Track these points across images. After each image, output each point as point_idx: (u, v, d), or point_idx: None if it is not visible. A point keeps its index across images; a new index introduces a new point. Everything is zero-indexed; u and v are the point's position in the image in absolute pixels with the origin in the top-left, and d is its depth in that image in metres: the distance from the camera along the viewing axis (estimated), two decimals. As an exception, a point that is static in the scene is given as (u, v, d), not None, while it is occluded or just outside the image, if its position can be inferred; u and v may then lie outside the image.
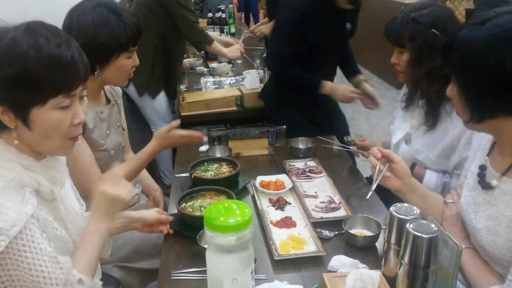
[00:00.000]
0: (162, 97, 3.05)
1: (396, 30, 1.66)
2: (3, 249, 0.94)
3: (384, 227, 1.32)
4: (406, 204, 1.11)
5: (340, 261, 1.29)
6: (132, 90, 2.96)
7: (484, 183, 1.20)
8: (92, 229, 1.15)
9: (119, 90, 1.85)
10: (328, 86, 2.36)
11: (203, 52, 3.79)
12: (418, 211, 1.08)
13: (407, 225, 1.00)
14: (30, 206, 0.99)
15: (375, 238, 1.41)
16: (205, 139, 1.93)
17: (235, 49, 3.23)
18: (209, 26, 4.21)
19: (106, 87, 1.75)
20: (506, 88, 1.05)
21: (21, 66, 0.96)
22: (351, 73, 2.57)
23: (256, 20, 7.03)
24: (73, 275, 1.06)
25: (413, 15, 1.62)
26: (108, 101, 1.75)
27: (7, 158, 1.03)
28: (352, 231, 1.43)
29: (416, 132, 1.78)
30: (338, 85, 2.39)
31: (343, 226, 1.43)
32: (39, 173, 1.06)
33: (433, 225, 1.00)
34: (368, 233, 1.44)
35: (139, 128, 3.22)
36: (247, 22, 6.96)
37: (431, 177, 1.70)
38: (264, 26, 4.16)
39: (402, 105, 1.85)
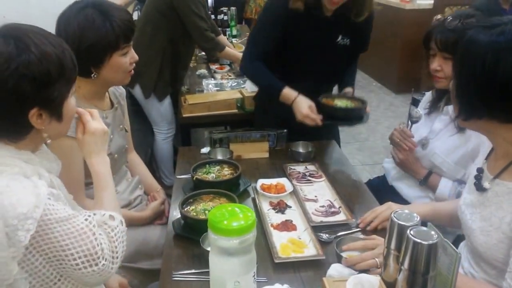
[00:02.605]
0: (168, 99, 3.07)
1: (446, 37, 1.63)
2: (34, 232, 0.99)
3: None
4: (406, 211, 1.12)
5: (337, 270, 1.29)
6: (138, 91, 2.97)
7: (478, 186, 1.25)
8: (99, 168, 1.25)
9: (123, 91, 1.86)
10: (290, 95, 2.01)
11: (203, 53, 3.82)
12: (419, 218, 1.10)
13: (408, 232, 1.02)
14: (43, 187, 1.04)
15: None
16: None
17: None
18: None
19: (111, 89, 1.75)
20: (494, 93, 1.09)
21: (59, 63, 1.06)
22: (343, 85, 2.25)
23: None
24: (103, 214, 1.16)
25: (464, 22, 1.61)
26: (112, 104, 1.75)
27: (6, 156, 1.07)
28: (345, 254, 1.34)
29: (435, 137, 1.80)
30: (302, 99, 2.01)
31: (335, 249, 1.35)
32: (38, 164, 1.11)
33: (433, 232, 1.01)
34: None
35: (141, 129, 3.24)
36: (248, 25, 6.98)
37: (445, 186, 1.73)
38: None
39: (425, 111, 1.89)
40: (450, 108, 1.78)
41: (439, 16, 1.74)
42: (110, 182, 1.27)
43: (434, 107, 1.86)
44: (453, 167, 1.72)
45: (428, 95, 1.96)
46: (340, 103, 2.06)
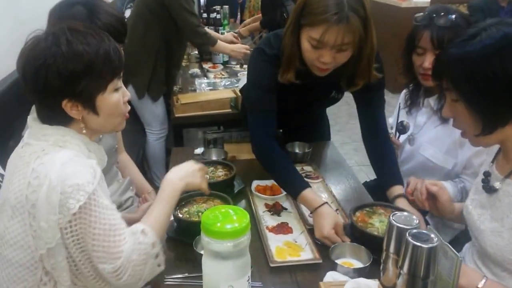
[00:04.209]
0: (161, 99, 3.03)
1: (442, 33, 1.61)
2: (83, 203, 1.05)
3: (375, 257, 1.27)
4: (405, 213, 1.10)
5: (334, 278, 1.25)
6: (131, 92, 2.92)
7: (487, 187, 1.24)
8: (169, 184, 1.28)
9: None
10: (312, 202, 1.51)
11: (197, 53, 3.79)
12: (418, 221, 1.07)
13: (407, 235, 0.99)
14: (98, 171, 1.12)
15: (364, 269, 1.28)
16: None
17: (238, 48, 3.20)
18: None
19: None
20: None
21: (87, 62, 1.11)
22: (386, 182, 1.66)
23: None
24: (137, 226, 1.17)
25: (453, 17, 1.61)
26: None
27: (70, 136, 1.16)
28: (339, 261, 1.30)
29: (420, 131, 1.81)
30: (324, 215, 1.46)
31: (330, 255, 1.31)
32: (93, 152, 1.21)
33: (432, 235, 0.98)
34: (357, 263, 1.32)
35: (132, 129, 3.20)
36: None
37: (447, 187, 1.69)
38: (249, 26, 4.13)
39: (406, 109, 1.89)
40: (431, 101, 1.78)
41: (420, 14, 1.71)
42: (165, 201, 1.26)
43: (413, 103, 1.86)
44: (443, 158, 1.72)
45: (402, 95, 1.96)
46: (379, 224, 1.45)
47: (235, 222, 0.97)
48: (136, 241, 1.13)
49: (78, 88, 1.11)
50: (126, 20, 3.27)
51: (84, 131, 1.19)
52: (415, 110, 1.86)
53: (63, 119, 1.16)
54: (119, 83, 1.20)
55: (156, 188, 2.06)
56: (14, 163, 1.16)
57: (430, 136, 1.77)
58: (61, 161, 1.08)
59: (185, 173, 1.32)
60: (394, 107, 2.04)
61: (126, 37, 1.56)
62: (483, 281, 1.14)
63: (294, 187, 1.58)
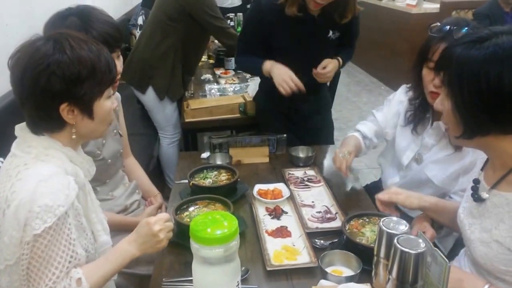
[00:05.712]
0: (175, 104, 3.08)
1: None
2: (48, 226, 1.05)
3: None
4: (395, 218, 1.10)
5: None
6: (151, 95, 2.97)
7: (476, 196, 1.22)
8: (123, 247, 1.25)
9: (118, 95, 1.86)
10: (268, 64, 2.12)
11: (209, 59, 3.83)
12: (407, 226, 1.08)
13: (395, 240, 1.00)
14: (73, 192, 1.12)
15: (354, 277, 1.26)
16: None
17: None
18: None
19: None
20: (501, 105, 1.05)
21: (91, 66, 1.15)
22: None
23: None
24: (77, 272, 1.13)
25: (471, 31, 1.54)
26: None
27: (54, 148, 1.17)
28: (329, 269, 1.29)
29: (428, 152, 1.74)
30: (279, 66, 2.08)
31: (319, 263, 1.29)
32: (78, 164, 1.22)
33: (420, 241, 0.99)
34: (348, 271, 1.30)
35: (145, 133, 3.25)
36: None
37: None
38: None
39: (410, 126, 1.79)
40: (441, 124, 1.65)
41: (435, 24, 1.63)
42: (113, 261, 1.22)
43: (419, 122, 1.76)
44: (444, 180, 1.68)
45: (400, 93, 1.89)
46: (370, 233, 1.45)
47: (225, 228, 0.99)
48: (67, 287, 1.10)
49: (80, 92, 1.14)
50: (140, 28, 3.33)
51: (73, 136, 1.20)
52: (422, 129, 1.76)
53: (55, 124, 1.17)
54: (111, 91, 1.24)
55: (169, 190, 2.09)
56: (1, 174, 1.17)
57: (437, 158, 1.70)
58: (37, 178, 1.08)
59: (142, 241, 1.25)
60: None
61: (122, 42, 1.58)
62: (486, 286, 1.14)
63: (257, 67, 2.14)
